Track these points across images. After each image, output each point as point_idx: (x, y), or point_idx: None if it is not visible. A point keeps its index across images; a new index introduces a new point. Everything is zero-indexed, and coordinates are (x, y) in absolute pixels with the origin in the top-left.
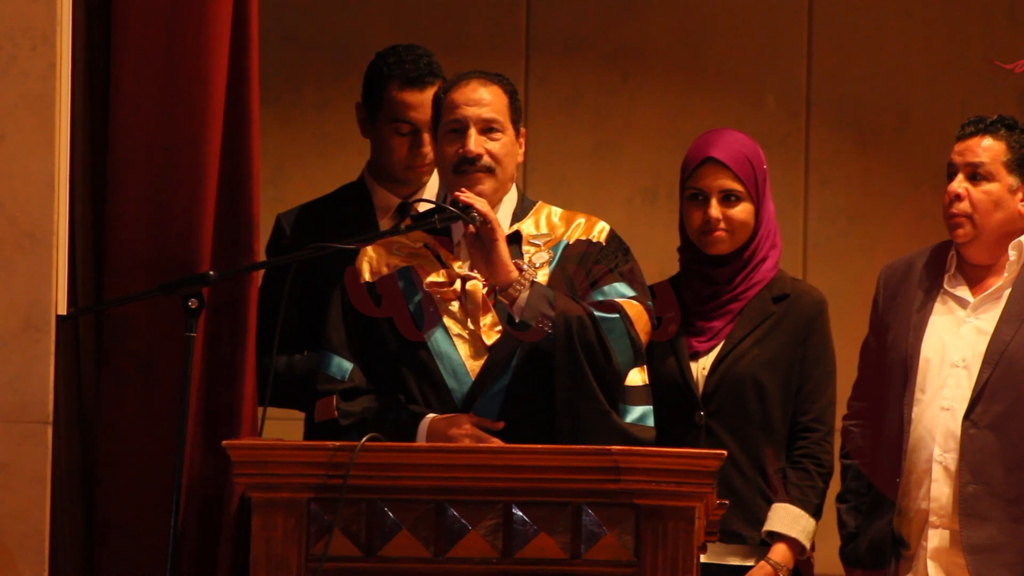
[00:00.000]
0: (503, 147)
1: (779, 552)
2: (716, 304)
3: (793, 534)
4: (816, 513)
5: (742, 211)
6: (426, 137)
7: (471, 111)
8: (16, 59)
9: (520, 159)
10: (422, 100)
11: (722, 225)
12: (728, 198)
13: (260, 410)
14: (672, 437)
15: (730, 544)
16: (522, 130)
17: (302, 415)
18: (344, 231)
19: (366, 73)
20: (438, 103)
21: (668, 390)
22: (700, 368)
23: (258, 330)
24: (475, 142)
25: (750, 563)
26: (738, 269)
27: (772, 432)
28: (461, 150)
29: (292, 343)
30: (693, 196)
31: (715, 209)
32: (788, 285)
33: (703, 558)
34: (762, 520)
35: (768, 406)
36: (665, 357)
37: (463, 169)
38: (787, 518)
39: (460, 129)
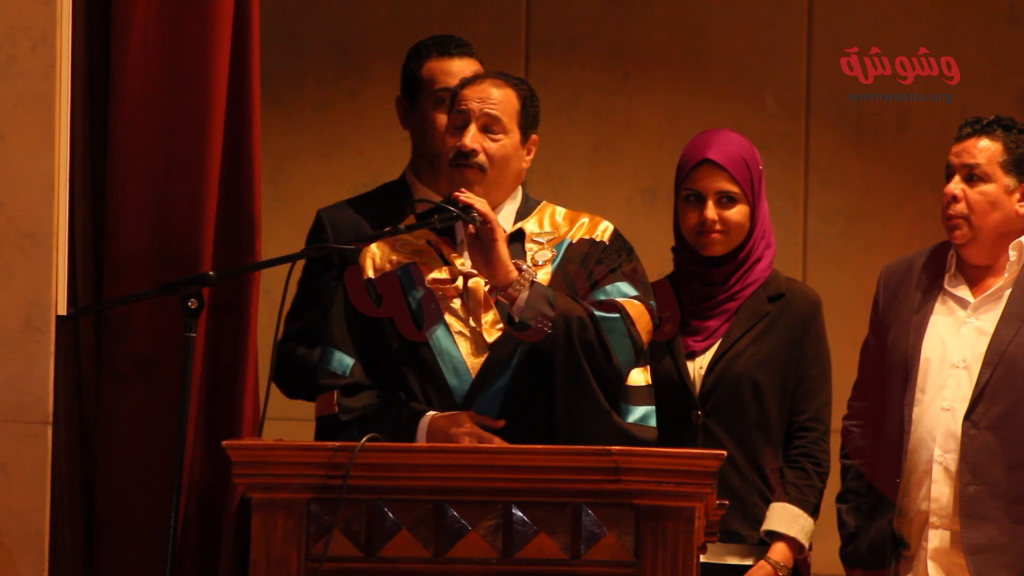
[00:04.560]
0: (500, 148)
1: (779, 551)
2: (712, 304)
3: (792, 533)
4: (814, 512)
5: (738, 213)
6: None
7: (475, 105)
8: (16, 59)
9: (526, 165)
10: (460, 67)
11: (718, 227)
12: (724, 200)
13: (260, 410)
14: (669, 436)
15: (728, 543)
16: (533, 137)
17: (302, 415)
18: (382, 228)
19: (403, 66)
20: (453, 98)
21: (665, 389)
22: (697, 367)
23: (293, 326)
24: (472, 137)
25: (748, 562)
26: (733, 269)
27: (769, 431)
28: (458, 143)
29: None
30: (689, 197)
31: (711, 211)
32: (783, 284)
33: (702, 558)
34: (760, 519)
35: (765, 405)
36: (661, 356)
37: (457, 163)
38: (786, 517)
39: (463, 123)
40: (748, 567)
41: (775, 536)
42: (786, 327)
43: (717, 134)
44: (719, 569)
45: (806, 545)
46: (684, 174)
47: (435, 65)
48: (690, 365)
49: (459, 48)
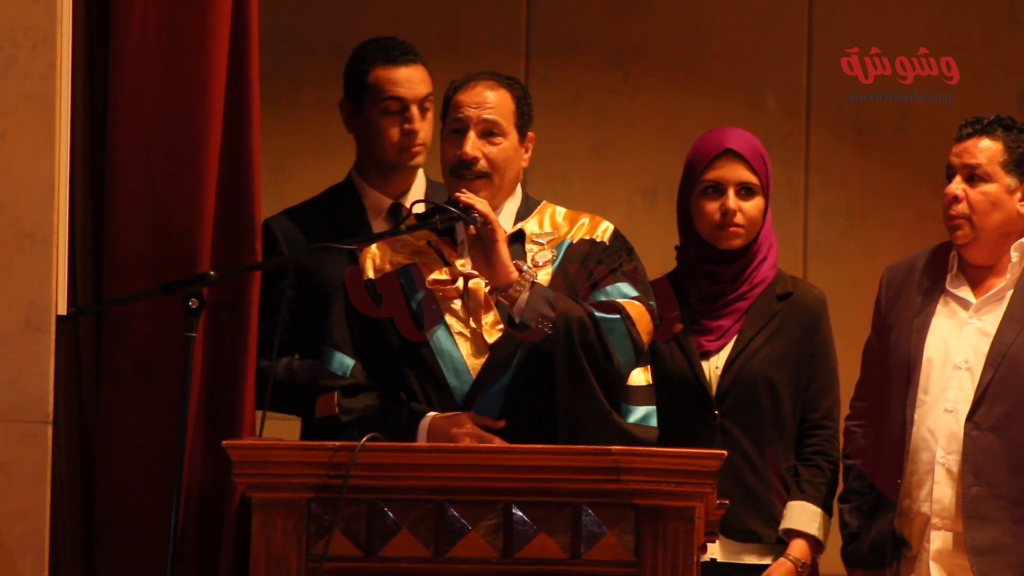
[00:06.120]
0: (501, 152)
1: (798, 548)
2: (722, 303)
3: (812, 531)
4: (830, 509)
5: (755, 206)
6: (414, 112)
7: (472, 112)
8: (16, 59)
9: (525, 164)
10: (407, 75)
11: (739, 218)
12: (744, 191)
13: (260, 411)
14: (686, 436)
15: (745, 543)
16: (530, 135)
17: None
18: (337, 234)
19: (346, 69)
20: (446, 102)
21: (681, 389)
22: (712, 367)
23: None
24: (472, 145)
25: (766, 561)
26: (742, 267)
27: (783, 430)
28: (458, 152)
29: (292, 347)
30: (708, 189)
31: (733, 201)
32: (789, 283)
33: (719, 556)
34: (776, 518)
35: (780, 404)
36: (676, 356)
37: (459, 173)
38: (804, 515)
39: (461, 130)
40: (765, 566)
41: (794, 534)
42: (796, 326)
43: (731, 128)
44: (736, 568)
45: (824, 543)
46: (703, 166)
47: (382, 73)
48: (705, 365)
49: (405, 55)
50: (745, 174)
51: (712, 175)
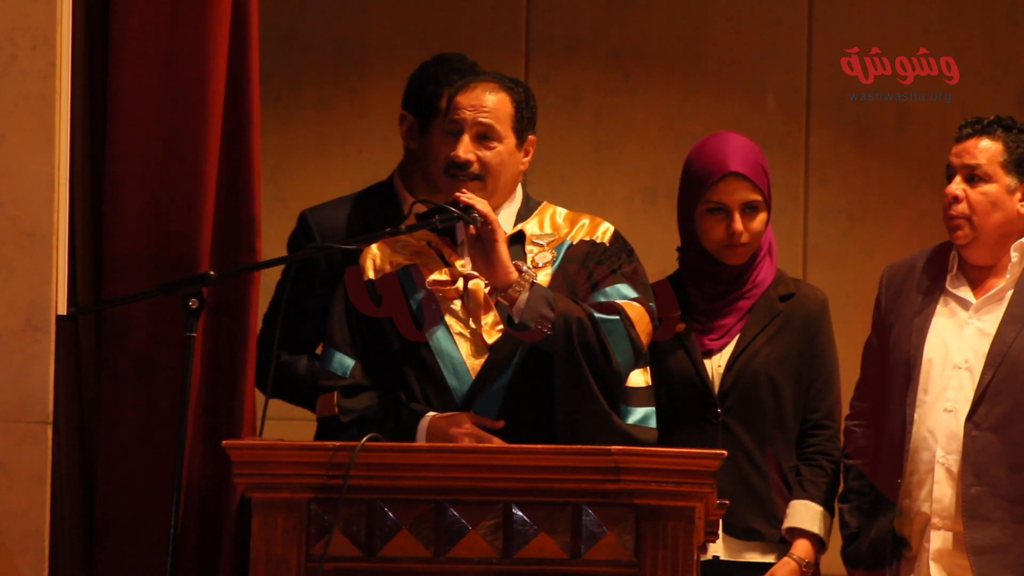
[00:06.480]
0: (495, 156)
1: (802, 548)
2: (725, 302)
3: (815, 530)
4: (832, 509)
5: (760, 221)
6: None
7: (469, 115)
8: (16, 59)
9: (523, 167)
10: None
11: (744, 237)
12: (748, 210)
13: (260, 410)
14: (688, 435)
15: (747, 541)
16: (531, 138)
17: (302, 415)
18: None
19: (413, 82)
20: (448, 102)
21: (683, 388)
22: (715, 366)
23: (274, 326)
24: (464, 148)
25: (768, 559)
26: (744, 267)
27: (785, 429)
28: (452, 153)
29: (314, 345)
30: (712, 210)
31: (739, 223)
32: (791, 284)
33: (721, 554)
34: (779, 516)
35: (782, 403)
36: (678, 355)
37: (452, 174)
38: (807, 514)
39: (456, 132)
40: (767, 565)
41: (797, 533)
42: (798, 326)
43: (729, 141)
44: (738, 567)
45: (827, 542)
46: (707, 187)
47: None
48: (707, 363)
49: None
50: (749, 194)
51: (716, 197)
